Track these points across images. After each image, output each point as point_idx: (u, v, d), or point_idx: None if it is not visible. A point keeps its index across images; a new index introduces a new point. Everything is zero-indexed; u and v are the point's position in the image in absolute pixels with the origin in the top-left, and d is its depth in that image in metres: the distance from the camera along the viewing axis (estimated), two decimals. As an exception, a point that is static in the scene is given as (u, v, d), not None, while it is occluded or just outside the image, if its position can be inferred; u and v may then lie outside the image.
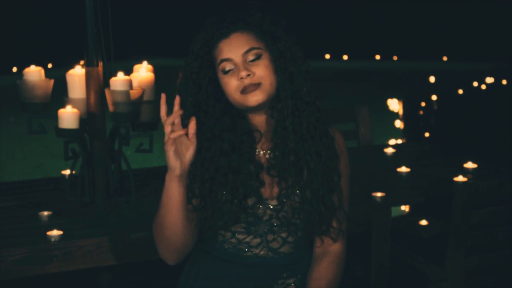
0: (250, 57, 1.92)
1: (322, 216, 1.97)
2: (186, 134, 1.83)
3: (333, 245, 2.05)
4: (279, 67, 1.93)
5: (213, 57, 1.96)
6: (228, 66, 1.93)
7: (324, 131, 1.99)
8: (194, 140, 1.83)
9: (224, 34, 1.94)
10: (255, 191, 1.94)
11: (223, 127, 1.95)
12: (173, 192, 1.86)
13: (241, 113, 1.98)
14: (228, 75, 1.93)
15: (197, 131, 1.90)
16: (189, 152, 1.83)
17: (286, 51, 1.94)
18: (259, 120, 1.98)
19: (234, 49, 1.92)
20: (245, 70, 1.90)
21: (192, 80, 1.96)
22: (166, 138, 1.81)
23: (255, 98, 1.91)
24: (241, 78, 1.90)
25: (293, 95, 1.94)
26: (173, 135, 1.79)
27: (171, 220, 1.89)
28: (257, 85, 1.91)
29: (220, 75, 1.94)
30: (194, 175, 1.94)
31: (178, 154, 1.83)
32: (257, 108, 1.94)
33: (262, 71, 1.91)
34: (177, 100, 1.82)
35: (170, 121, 1.80)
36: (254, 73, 1.91)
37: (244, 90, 1.91)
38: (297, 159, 1.95)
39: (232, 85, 1.92)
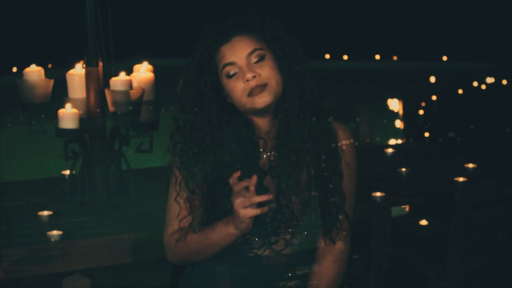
0: (254, 58, 1.90)
1: (321, 217, 1.97)
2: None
3: (336, 244, 2.04)
4: (283, 67, 1.91)
5: (215, 63, 1.94)
6: (232, 70, 1.91)
7: (324, 130, 1.98)
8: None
9: (225, 38, 1.92)
10: None
11: (225, 138, 1.93)
12: (227, 242, 1.91)
13: (245, 120, 1.96)
14: (233, 79, 1.91)
15: (198, 141, 1.91)
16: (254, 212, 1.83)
17: (289, 50, 1.93)
18: (262, 122, 1.97)
19: (237, 52, 1.90)
20: (251, 72, 1.88)
21: (193, 87, 1.95)
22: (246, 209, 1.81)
23: (263, 99, 1.89)
24: (247, 80, 1.88)
25: (299, 94, 1.92)
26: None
27: (210, 255, 1.97)
28: (263, 86, 1.89)
29: (224, 80, 1.92)
30: (194, 188, 1.94)
31: None
32: (264, 110, 1.93)
33: (267, 72, 1.90)
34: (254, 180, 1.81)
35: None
36: (259, 74, 1.89)
37: (251, 93, 1.89)
38: (297, 159, 1.94)
39: (238, 88, 1.90)
